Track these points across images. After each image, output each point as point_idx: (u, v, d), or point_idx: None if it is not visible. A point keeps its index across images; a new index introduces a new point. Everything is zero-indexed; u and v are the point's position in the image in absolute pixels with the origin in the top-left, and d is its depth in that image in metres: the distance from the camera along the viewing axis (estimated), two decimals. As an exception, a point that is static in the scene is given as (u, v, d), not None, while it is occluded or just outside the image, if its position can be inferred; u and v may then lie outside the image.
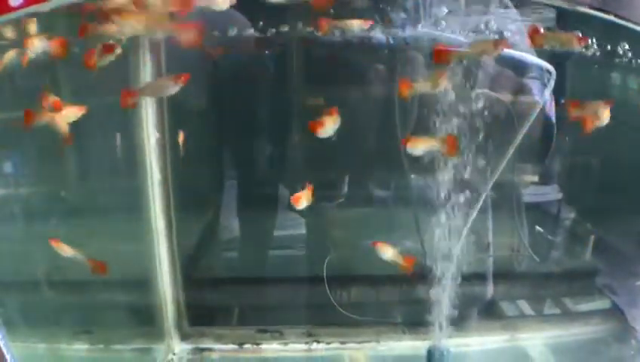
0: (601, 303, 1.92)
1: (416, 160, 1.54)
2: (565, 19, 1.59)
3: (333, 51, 1.69)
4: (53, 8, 1.34)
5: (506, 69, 1.54)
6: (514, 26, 1.54)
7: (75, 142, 1.81)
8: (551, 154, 1.75)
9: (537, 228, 1.80)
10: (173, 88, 1.32)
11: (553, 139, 1.63)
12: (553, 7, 1.54)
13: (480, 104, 1.44)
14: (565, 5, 1.47)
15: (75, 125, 1.82)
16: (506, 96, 1.55)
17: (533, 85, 1.54)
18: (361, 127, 1.80)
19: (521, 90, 1.56)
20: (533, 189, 1.92)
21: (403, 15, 1.57)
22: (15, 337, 1.34)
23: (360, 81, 1.75)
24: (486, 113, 1.45)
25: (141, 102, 1.60)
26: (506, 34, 1.52)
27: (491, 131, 1.49)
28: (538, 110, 1.52)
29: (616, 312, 1.85)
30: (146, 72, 1.56)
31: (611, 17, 1.42)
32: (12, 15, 1.32)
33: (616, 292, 1.91)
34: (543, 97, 1.51)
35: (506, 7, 1.52)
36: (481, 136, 1.47)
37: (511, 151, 1.56)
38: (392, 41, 1.64)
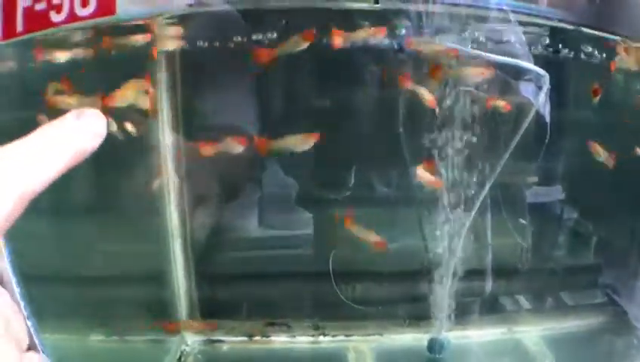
0: (599, 297, 1.97)
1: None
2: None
3: (338, 56, 1.76)
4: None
5: (501, 72, 1.61)
6: (513, 36, 1.61)
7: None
8: (548, 153, 1.79)
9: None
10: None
11: (547, 138, 1.69)
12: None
13: (475, 106, 1.51)
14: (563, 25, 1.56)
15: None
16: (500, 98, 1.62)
17: (528, 88, 1.61)
18: (365, 126, 1.87)
19: (515, 92, 1.63)
20: (531, 188, 1.97)
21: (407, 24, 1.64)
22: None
23: (364, 84, 1.82)
24: (481, 115, 1.52)
25: (157, 105, 1.69)
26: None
27: (487, 132, 1.56)
28: (533, 112, 1.58)
29: (613, 306, 1.90)
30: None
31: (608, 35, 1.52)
32: (54, 30, 1.44)
33: (618, 290, 1.95)
34: (537, 99, 1.59)
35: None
36: (477, 137, 1.54)
37: (509, 151, 1.62)
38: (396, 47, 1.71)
